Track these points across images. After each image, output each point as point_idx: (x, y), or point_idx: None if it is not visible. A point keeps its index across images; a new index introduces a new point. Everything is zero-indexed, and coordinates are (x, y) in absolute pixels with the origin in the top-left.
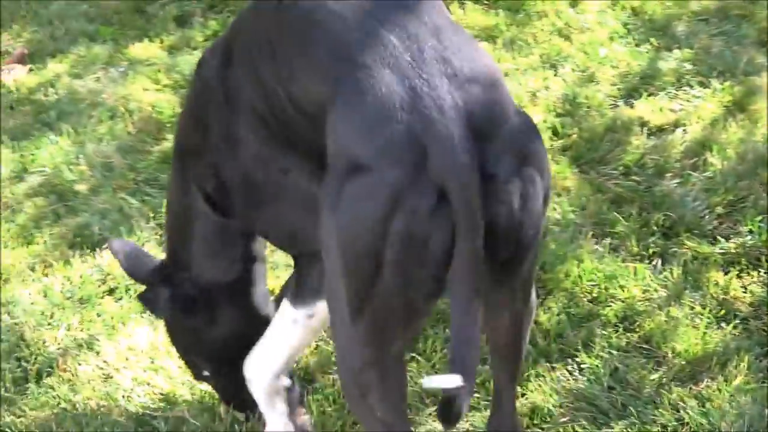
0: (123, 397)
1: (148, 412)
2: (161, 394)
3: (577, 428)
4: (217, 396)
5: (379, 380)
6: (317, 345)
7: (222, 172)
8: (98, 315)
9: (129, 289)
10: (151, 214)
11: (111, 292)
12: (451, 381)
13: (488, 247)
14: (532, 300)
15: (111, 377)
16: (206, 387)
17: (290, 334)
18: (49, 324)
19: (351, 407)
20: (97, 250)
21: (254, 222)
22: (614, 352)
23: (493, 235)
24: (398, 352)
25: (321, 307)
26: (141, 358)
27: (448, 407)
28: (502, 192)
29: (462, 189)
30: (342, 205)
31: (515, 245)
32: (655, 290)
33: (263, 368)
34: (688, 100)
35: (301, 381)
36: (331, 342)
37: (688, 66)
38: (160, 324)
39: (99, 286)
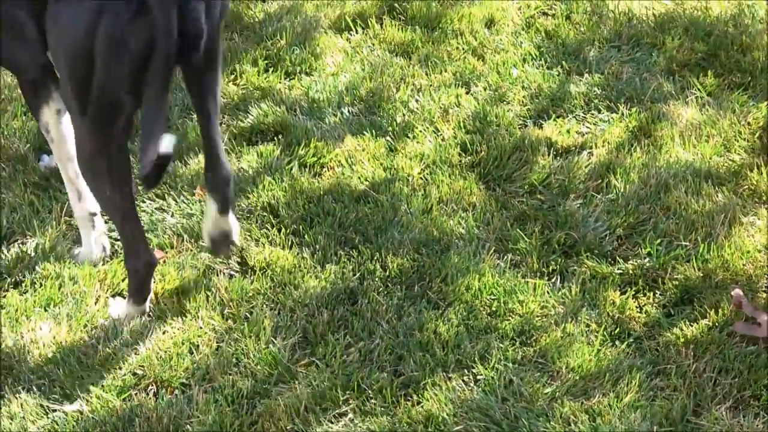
0: (23, 389)
1: (47, 404)
2: (61, 388)
3: None
4: (116, 391)
5: (107, 167)
6: (218, 346)
7: None
8: (2, 308)
9: (35, 283)
10: (61, 212)
11: (16, 285)
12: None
13: (183, 54)
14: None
15: (12, 369)
16: (108, 382)
17: None
18: None
19: (89, 188)
20: (4, 243)
21: None
22: (510, 364)
23: (185, 43)
24: (119, 144)
25: None
26: (43, 351)
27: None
28: (191, 8)
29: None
30: (60, 20)
31: (202, 50)
32: (553, 306)
33: None
34: (595, 124)
35: (200, 381)
36: (232, 343)
37: (598, 90)
38: (64, 318)
39: (4, 279)
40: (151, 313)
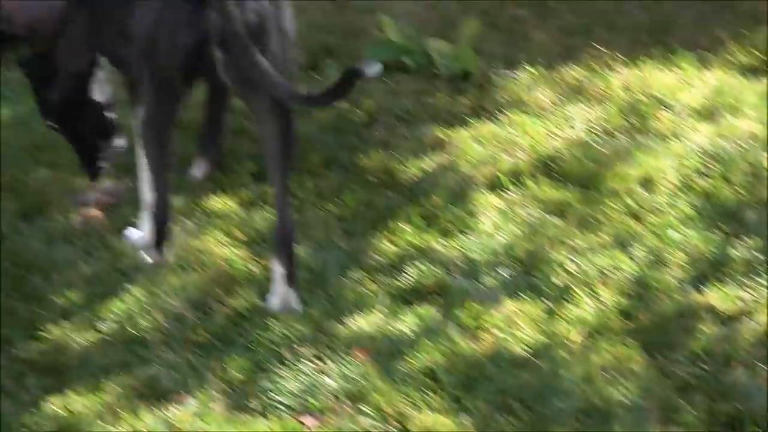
0: None
1: None
2: None
3: None
4: None
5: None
6: None
7: None
8: None
9: None
10: (220, 372)
11: None
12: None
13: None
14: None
15: None
16: None
17: None
18: None
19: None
20: (164, 402)
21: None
22: None
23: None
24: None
25: None
26: None
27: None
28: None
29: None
30: (137, 17)
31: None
32: None
33: None
34: (758, 290)
35: None
36: None
37: (759, 255)
38: None
39: None
40: None
